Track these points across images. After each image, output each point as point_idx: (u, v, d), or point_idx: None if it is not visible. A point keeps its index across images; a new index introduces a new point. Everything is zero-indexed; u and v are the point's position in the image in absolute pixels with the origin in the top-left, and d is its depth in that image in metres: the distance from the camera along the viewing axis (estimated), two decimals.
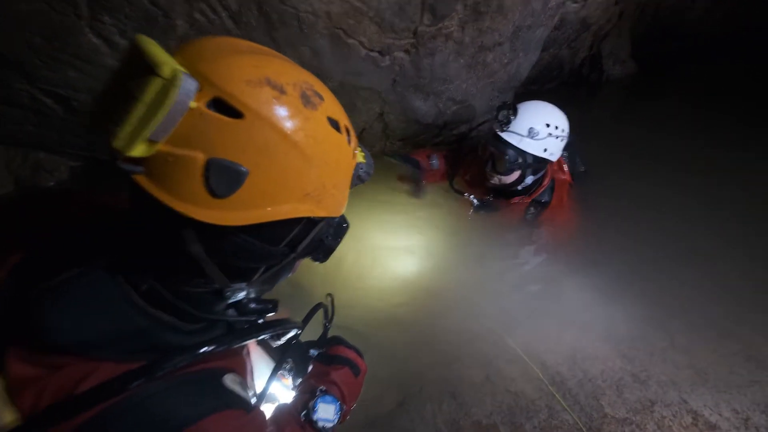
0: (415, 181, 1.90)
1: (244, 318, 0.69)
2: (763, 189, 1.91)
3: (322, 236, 0.61)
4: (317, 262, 0.67)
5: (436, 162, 2.03)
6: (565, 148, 1.90)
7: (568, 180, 1.99)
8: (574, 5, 2.32)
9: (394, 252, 1.82)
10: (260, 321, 0.83)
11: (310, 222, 0.56)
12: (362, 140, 2.25)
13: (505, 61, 2.05)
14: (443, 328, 1.46)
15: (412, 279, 1.67)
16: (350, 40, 1.50)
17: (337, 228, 0.65)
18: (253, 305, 0.68)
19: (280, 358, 0.86)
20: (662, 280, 1.52)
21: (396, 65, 1.68)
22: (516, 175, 1.81)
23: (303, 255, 0.60)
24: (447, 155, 2.11)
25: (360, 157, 0.66)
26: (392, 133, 2.19)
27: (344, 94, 1.76)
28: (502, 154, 1.73)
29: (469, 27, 1.61)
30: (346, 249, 1.90)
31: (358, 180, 0.66)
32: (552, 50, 2.96)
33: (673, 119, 2.95)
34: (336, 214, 0.59)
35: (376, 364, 1.24)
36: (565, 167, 1.99)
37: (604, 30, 3.27)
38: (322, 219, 0.57)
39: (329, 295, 1.04)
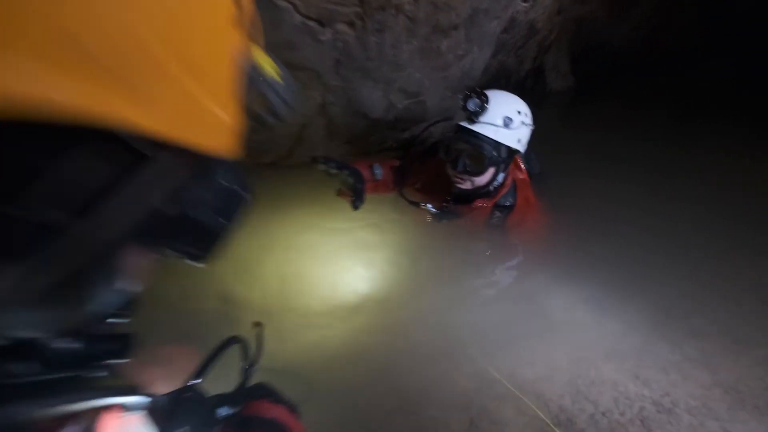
0: (356, 193, 1.49)
1: (50, 375, 0.34)
2: (728, 182, 1.84)
3: (187, 203, 0.27)
4: (198, 264, 0.34)
5: (379, 172, 1.70)
6: None
7: (527, 179, 1.81)
8: (524, 4, 2.23)
9: (344, 271, 1.48)
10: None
11: (128, 152, 0.23)
12: (302, 142, 1.93)
13: (460, 52, 1.86)
14: (408, 361, 1.13)
15: (366, 302, 1.34)
16: (281, 2, 1.20)
17: (225, 194, 0.32)
18: (68, 346, 0.34)
19: (169, 424, 0.52)
20: (657, 282, 1.33)
21: (339, 41, 1.40)
22: (491, 173, 1.58)
23: (136, 238, 0.26)
24: (392, 165, 1.84)
25: (267, 64, 0.35)
26: (337, 130, 1.89)
27: None
28: (478, 150, 1.50)
29: (423, 0, 1.39)
30: (281, 263, 1.54)
31: (269, 112, 0.35)
32: (500, 56, 2.88)
33: (619, 124, 3.04)
34: (208, 143, 0.26)
35: (322, 417, 0.89)
36: (522, 166, 1.81)
37: (547, 41, 3.29)
38: (162, 152, 0.24)
39: (258, 324, 0.76)
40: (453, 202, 1.76)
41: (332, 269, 1.49)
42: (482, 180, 1.61)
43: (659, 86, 4.19)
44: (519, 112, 1.52)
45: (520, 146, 1.57)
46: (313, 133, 1.87)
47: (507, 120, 1.50)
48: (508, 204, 1.73)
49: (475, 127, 1.52)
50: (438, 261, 1.57)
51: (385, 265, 1.48)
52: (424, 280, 1.47)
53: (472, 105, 1.50)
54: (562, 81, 3.92)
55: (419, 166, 1.86)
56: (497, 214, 1.73)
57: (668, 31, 4.37)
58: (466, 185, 1.63)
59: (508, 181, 1.71)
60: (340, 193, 1.73)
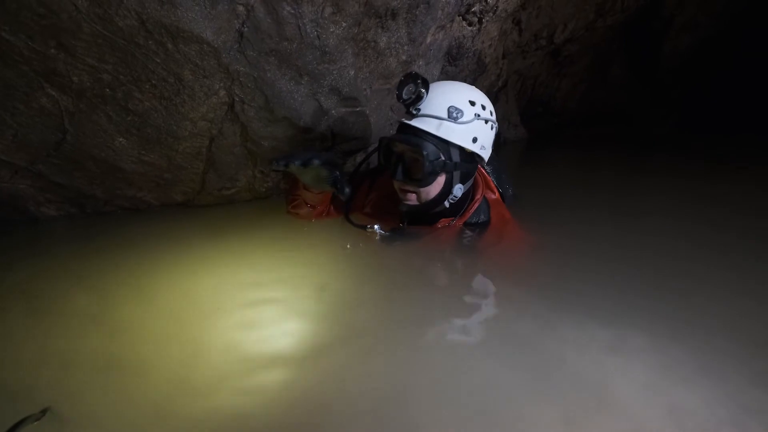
0: (336, 183, 1.25)
1: None
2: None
3: None
4: None
5: (348, 190, 1.37)
6: (489, 163, 1.42)
7: (500, 200, 1.47)
8: (470, 28, 2.11)
9: (258, 322, 0.96)
10: None
11: None
12: (214, 165, 1.51)
13: (404, 57, 1.61)
14: None
15: (288, 376, 0.81)
16: None
17: None
18: None
19: None
20: (691, 306, 0.94)
21: (240, 4, 1.07)
22: (441, 183, 1.23)
23: None
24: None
25: None
26: (258, 148, 1.49)
27: (156, 48, 1.06)
28: (417, 151, 1.16)
29: None
30: (187, 317, 1.00)
31: None
32: None
33: (578, 161, 3.05)
34: None
35: None
36: (494, 186, 1.48)
37: (495, 87, 3.25)
38: None
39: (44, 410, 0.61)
40: (408, 224, 1.37)
41: (233, 335, 0.97)
42: (431, 192, 1.23)
43: (604, 135, 4.35)
44: (472, 103, 1.20)
45: (478, 147, 1.22)
46: (225, 149, 1.47)
47: (454, 111, 1.17)
48: (480, 221, 1.36)
49: (414, 122, 1.19)
50: (389, 307, 1.09)
51: (313, 323, 0.98)
52: (368, 339, 0.96)
53: (406, 92, 1.19)
54: (514, 131, 3.88)
55: (367, 187, 1.51)
56: (468, 233, 1.34)
57: (603, 87, 4.61)
58: (411, 200, 1.26)
59: (478, 196, 1.35)
60: (291, 209, 1.46)
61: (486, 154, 1.28)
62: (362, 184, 1.51)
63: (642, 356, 0.79)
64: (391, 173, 1.25)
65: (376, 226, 1.32)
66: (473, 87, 1.29)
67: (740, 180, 2.36)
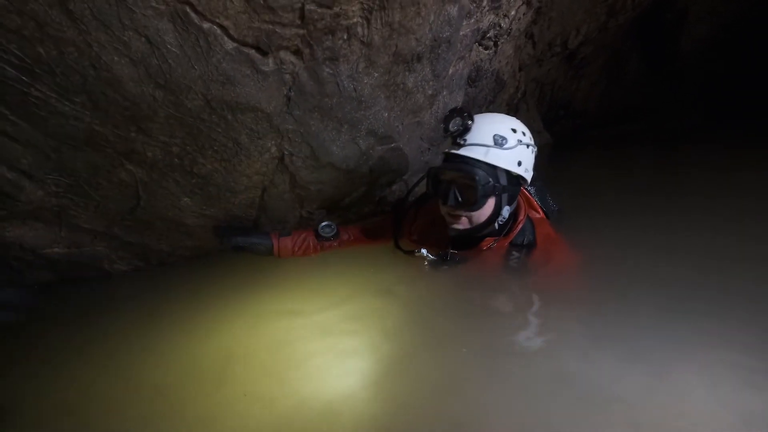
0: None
1: None
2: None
3: None
4: None
5: (330, 230, 1.66)
6: (531, 184, 1.50)
7: (545, 218, 1.53)
8: (486, 52, 2.20)
9: (322, 359, 1.05)
10: None
11: None
12: (266, 211, 1.63)
13: (430, 92, 1.70)
14: None
15: (351, 405, 0.90)
16: (206, 24, 1.01)
17: None
18: None
19: None
20: None
21: (286, 73, 1.20)
22: (491, 206, 1.33)
23: None
24: (387, 219, 1.69)
25: None
26: (306, 192, 1.61)
27: (218, 120, 1.20)
28: (469, 177, 1.27)
29: (375, 19, 1.24)
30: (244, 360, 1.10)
31: None
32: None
33: (606, 162, 3.01)
34: None
35: None
36: (537, 205, 1.55)
37: (515, 99, 3.31)
38: None
39: None
40: (455, 248, 1.45)
41: (298, 367, 1.06)
42: (482, 215, 1.33)
43: (628, 132, 4.30)
44: (514, 131, 1.32)
45: (523, 170, 1.33)
46: (276, 197, 1.59)
47: (499, 138, 1.29)
48: (526, 242, 1.42)
49: (462, 151, 1.30)
50: (438, 323, 1.16)
51: (373, 352, 1.06)
52: (428, 366, 1.03)
53: (453, 125, 1.30)
54: (538, 137, 3.90)
55: (414, 213, 1.62)
56: (515, 254, 1.40)
57: (621, 84, 4.58)
58: (463, 223, 1.35)
59: (522, 216, 1.43)
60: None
61: (529, 175, 1.38)
62: (408, 213, 1.62)
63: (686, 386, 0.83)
64: (441, 200, 1.34)
65: (423, 251, 1.41)
66: (511, 116, 1.40)
67: None
